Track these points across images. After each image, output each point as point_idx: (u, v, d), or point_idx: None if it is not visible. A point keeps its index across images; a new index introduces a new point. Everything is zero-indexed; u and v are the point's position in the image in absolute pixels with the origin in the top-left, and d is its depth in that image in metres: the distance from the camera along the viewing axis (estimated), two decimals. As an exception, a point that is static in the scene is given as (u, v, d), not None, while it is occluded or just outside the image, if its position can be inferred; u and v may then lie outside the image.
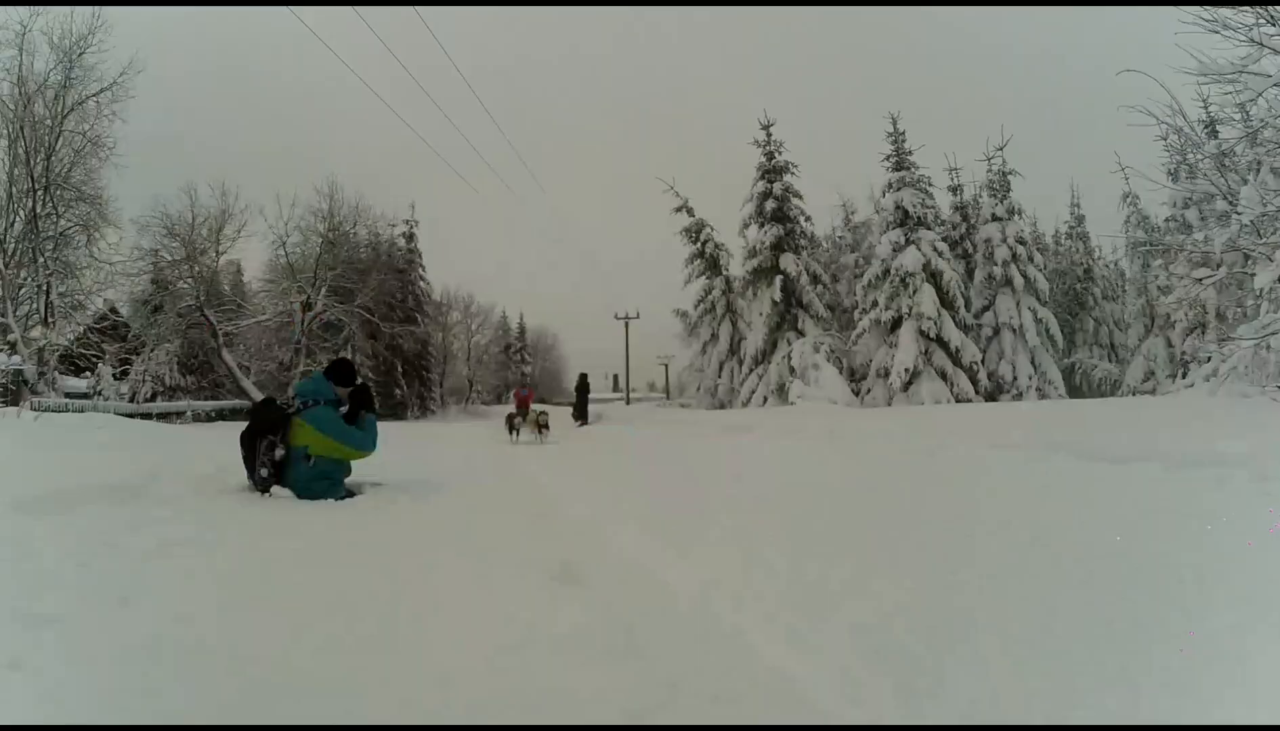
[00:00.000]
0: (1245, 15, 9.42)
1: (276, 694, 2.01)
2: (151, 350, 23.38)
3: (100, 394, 21.19)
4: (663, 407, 35.75)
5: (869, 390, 21.53)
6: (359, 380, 5.87)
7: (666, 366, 56.68)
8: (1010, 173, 23.78)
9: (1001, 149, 23.80)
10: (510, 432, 16.68)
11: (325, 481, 5.21)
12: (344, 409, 5.63)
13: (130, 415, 17.07)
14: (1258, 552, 3.79)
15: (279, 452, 5.19)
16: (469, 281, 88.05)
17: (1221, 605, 3.22)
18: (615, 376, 60.77)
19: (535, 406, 19.74)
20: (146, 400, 21.97)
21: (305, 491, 5.05)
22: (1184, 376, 15.67)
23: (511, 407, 20.50)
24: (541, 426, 16.10)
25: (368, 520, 4.40)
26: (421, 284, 31.18)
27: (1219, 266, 12.49)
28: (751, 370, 23.74)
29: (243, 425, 5.53)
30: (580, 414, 23.69)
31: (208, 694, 1.99)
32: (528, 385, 24.62)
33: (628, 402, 42.68)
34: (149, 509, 4.08)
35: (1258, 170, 10.51)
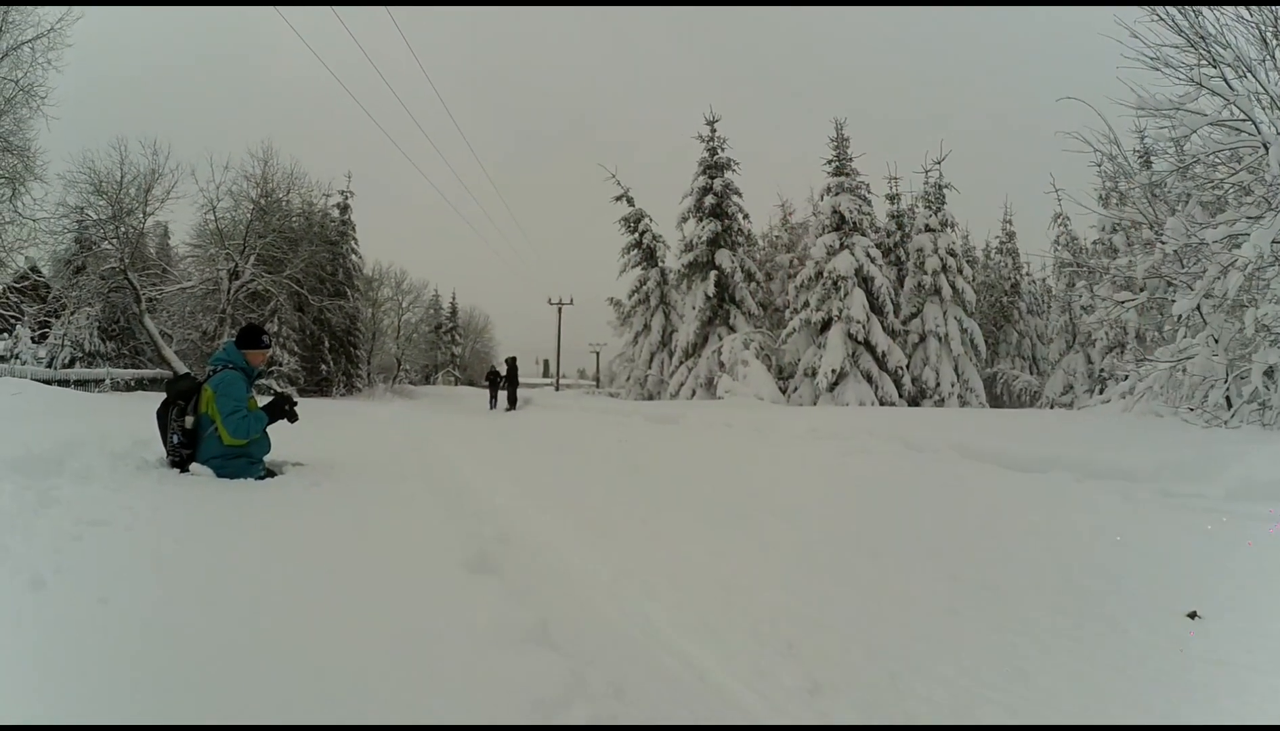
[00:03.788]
0: (1187, 55, 9.82)
1: (196, 681, 2.02)
2: (72, 313, 22.43)
3: (17, 357, 20.31)
4: (591, 395, 35.94)
5: (796, 388, 21.98)
6: (272, 353, 5.77)
7: (598, 354, 56.68)
8: (946, 186, 24.40)
9: (940, 162, 24.42)
10: None
11: (243, 459, 5.15)
12: (265, 399, 5.57)
13: (48, 381, 16.51)
14: (1160, 559, 4.12)
15: (189, 421, 5.14)
16: (402, 257, 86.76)
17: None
18: (546, 362, 60.73)
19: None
20: (65, 366, 21.11)
21: (222, 470, 5.01)
22: (1101, 392, 16.24)
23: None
24: None
25: (286, 503, 4.37)
26: (353, 257, 30.30)
27: (1141, 290, 13.02)
28: (681, 362, 23.97)
29: (162, 396, 5.43)
30: (510, 399, 25.16)
31: (129, 680, 1.98)
32: None
33: (557, 389, 42.71)
34: (64, 485, 4.02)
35: (1186, 202, 10.99)
